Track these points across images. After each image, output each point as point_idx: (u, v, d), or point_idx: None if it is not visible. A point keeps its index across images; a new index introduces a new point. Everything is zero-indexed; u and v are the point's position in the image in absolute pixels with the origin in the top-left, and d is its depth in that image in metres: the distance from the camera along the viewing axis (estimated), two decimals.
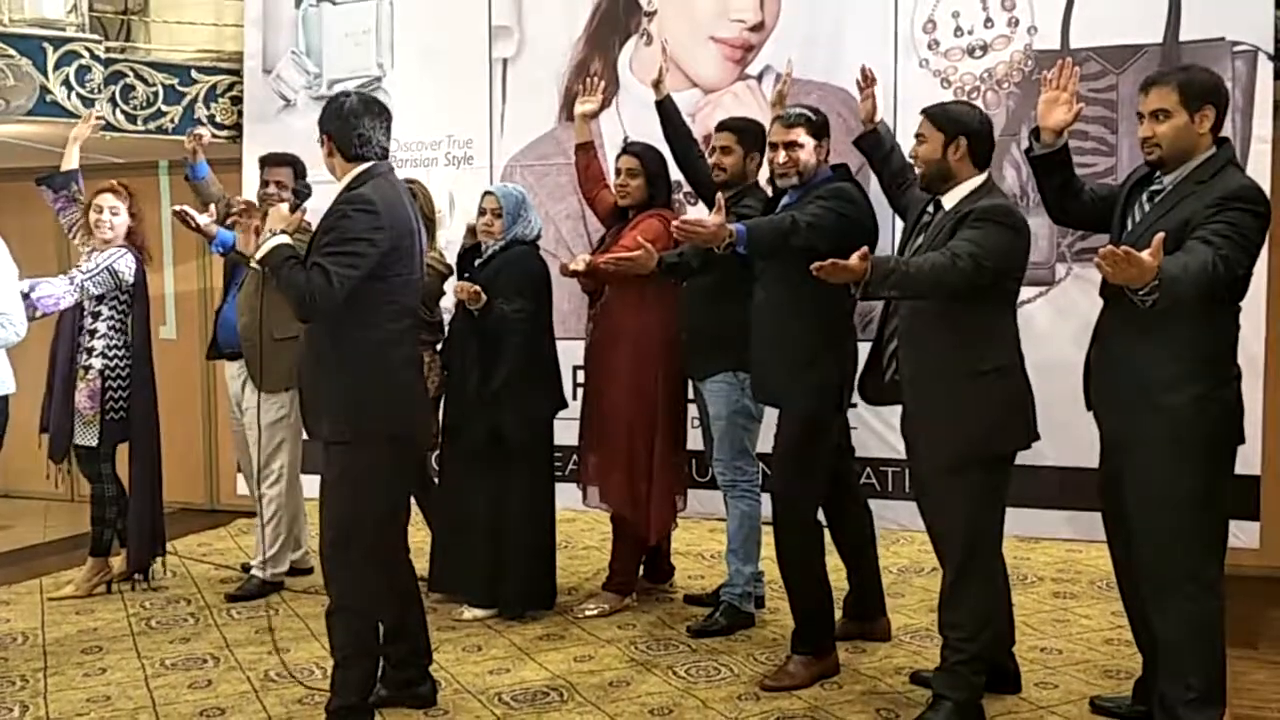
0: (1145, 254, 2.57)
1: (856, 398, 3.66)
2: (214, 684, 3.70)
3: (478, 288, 4.11)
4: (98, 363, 4.56)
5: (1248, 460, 4.13)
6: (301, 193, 3.67)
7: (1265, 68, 4.55)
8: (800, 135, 3.67)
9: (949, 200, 3.26)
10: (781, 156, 3.69)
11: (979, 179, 3.26)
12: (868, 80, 3.89)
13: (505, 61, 5.88)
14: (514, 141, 5.88)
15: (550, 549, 4.43)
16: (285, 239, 3.01)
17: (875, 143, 3.83)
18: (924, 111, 3.34)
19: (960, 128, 3.24)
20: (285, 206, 3.15)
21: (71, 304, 4.47)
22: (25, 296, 4.04)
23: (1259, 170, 4.37)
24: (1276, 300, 4.47)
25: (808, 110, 3.77)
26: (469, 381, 4.21)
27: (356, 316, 3.00)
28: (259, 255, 2.99)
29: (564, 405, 4.47)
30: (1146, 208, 3.01)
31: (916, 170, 3.34)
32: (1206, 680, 2.89)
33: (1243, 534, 4.35)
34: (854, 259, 2.95)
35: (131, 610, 4.52)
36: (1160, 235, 2.64)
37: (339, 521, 3.03)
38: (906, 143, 3.86)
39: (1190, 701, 2.87)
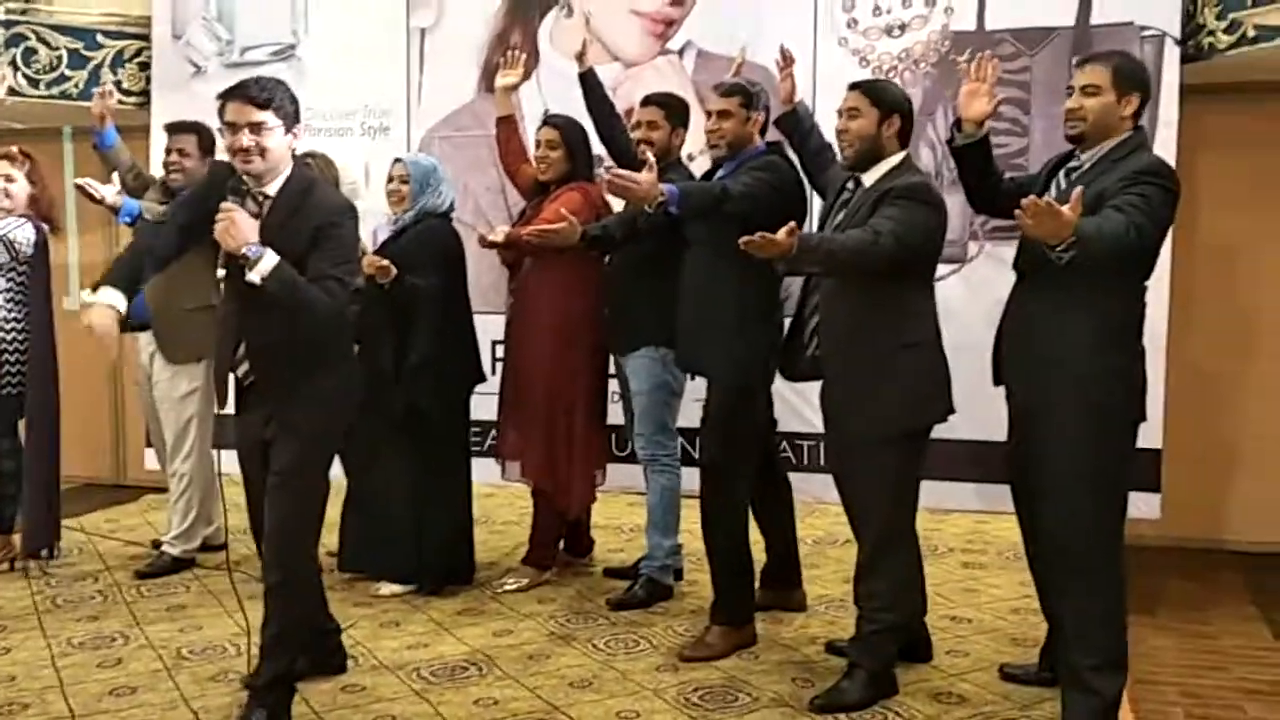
0: (1065, 208, 2.63)
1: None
2: (124, 662, 3.63)
3: (386, 262, 4.06)
4: None
5: (1151, 435, 4.28)
6: (240, 190, 3.37)
7: (1172, 52, 4.68)
8: (733, 105, 3.69)
9: (869, 178, 3.31)
10: (711, 123, 3.71)
11: (899, 157, 3.31)
12: (786, 60, 3.92)
13: (423, 31, 5.80)
14: (432, 112, 5.81)
15: (468, 523, 4.41)
16: (274, 255, 2.88)
17: (794, 123, 3.86)
18: (858, 87, 3.37)
19: (895, 106, 3.30)
20: (243, 216, 2.96)
21: None
22: None
23: (1164, 152, 4.49)
24: (1179, 280, 4.62)
25: (745, 82, 3.78)
26: (381, 357, 4.16)
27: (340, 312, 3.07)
28: (260, 276, 2.85)
29: (482, 379, 4.44)
30: (1064, 184, 3.09)
31: (844, 146, 3.35)
32: (1110, 648, 2.98)
33: (1145, 505, 4.51)
34: (781, 234, 2.98)
35: (36, 588, 4.40)
36: (1079, 189, 2.71)
37: (302, 503, 3.04)
38: (824, 120, 3.90)
39: (1096, 668, 2.96)
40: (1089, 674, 2.96)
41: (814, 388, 3.52)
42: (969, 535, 5.09)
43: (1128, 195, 2.84)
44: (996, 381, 3.25)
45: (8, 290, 4.44)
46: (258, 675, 3.07)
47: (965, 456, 4.78)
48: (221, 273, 3.02)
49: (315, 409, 3.04)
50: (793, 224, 3.01)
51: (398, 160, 4.31)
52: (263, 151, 2.94)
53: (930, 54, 5.26)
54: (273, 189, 2.99)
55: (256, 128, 2.92)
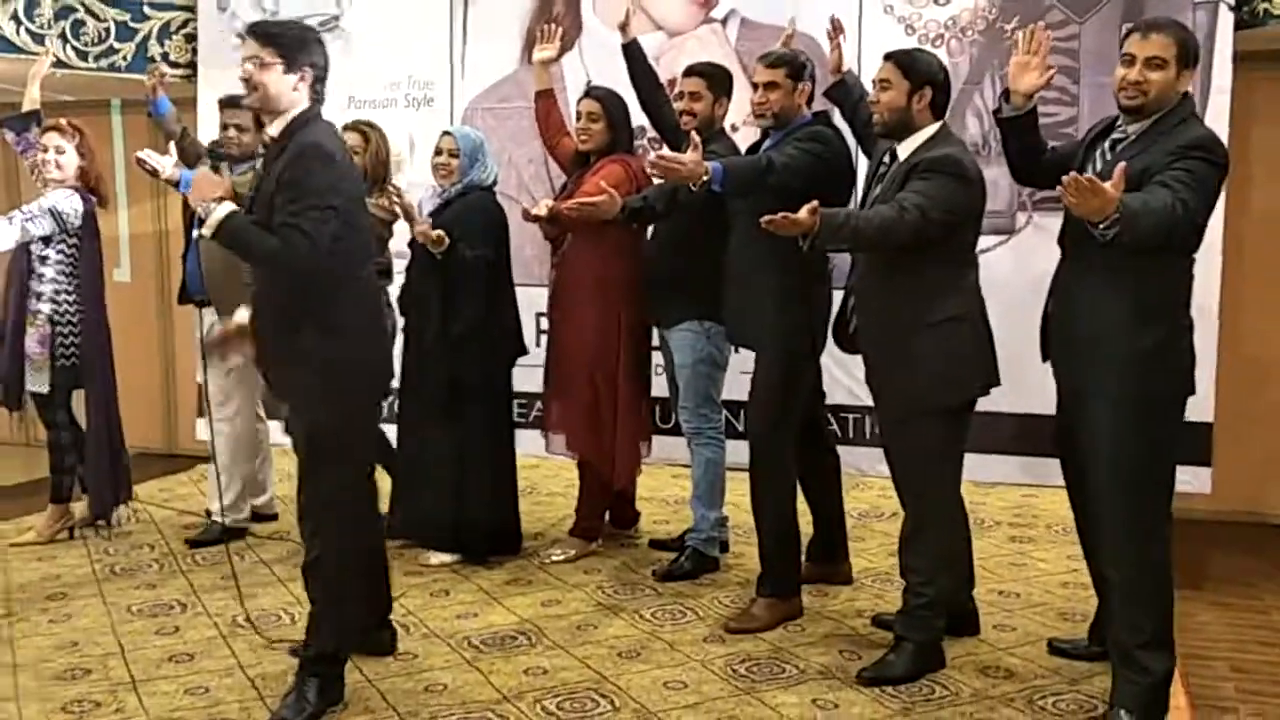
0: (1108, 185, 2.60)
1: (831, 344, 3.69)
2: (181, 630, 3.70)
3: (441, 231, 4.08)
4: (46, 307, 4.48)
5: (1201, 408, 4.24)
6: (216, 153, 3.37)
7: (1225, 19, 4.60)
8: (779, 76, 3.67)
9: (904, 150, 3.28)
10: (758, 95, 3.70)
11: (934, 128, 3.28)
12: (835, 30, 3.88)
13: (466, 1, 5.79)
14: (475, 84, 5.82)
15: (513, 494, 4.45)
16: (231, 205, 2.88)
17: (844, 92, 3.84)
18: (889, 57, 3.32)
19: (927, 77, 3.26)
20: (207, 174, 2.99)
21: (11, 245, 4.36)
22: None
23: (1218, 120, 4.44)
24: (1230, 250, 4.56)
25: (790, 52, 3.76)
26: (428, 328, 4.19)
27: (329, 268, 2.91)
28: (208, 231, 2.85)
29: (524, 352, 4.46)
30: (1109, 156, 3.04)
31: (876, 116, 3.32)
32: (1158, 624, 2.97)
33: (1195, 480, 4.47)
34: (803, 212, 2.98)
35: (95, 557, 4.50)
36: (1123, 165, 2.67)
37: (321, 472, 3.00)
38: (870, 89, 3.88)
39: (1143, 645, 2.95)
40: (1137, 651, 2.95)
41: (859, 359, 3.52)
42: (1017, 509, 5.07)
43: (1174, 171, 2.80)
44: (1044, 358, 3.23)
45: (59, 262, 4.50)
46: (306, 647, 3.11)
47: (1012, 430, 4.77)
48: (195, 234, 3.02)
49: (307, 376, 2.96)
50: (814, 203, 3.00)
51: (447, 133, 4.32)
52: (257, 85, 2.91)
53: (978, 21, 5.20)
54: (274, 130, 2.97)
55: (256, 61, 2.91)
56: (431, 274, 4.18)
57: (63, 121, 4.60)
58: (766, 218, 3.01)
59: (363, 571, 3.18)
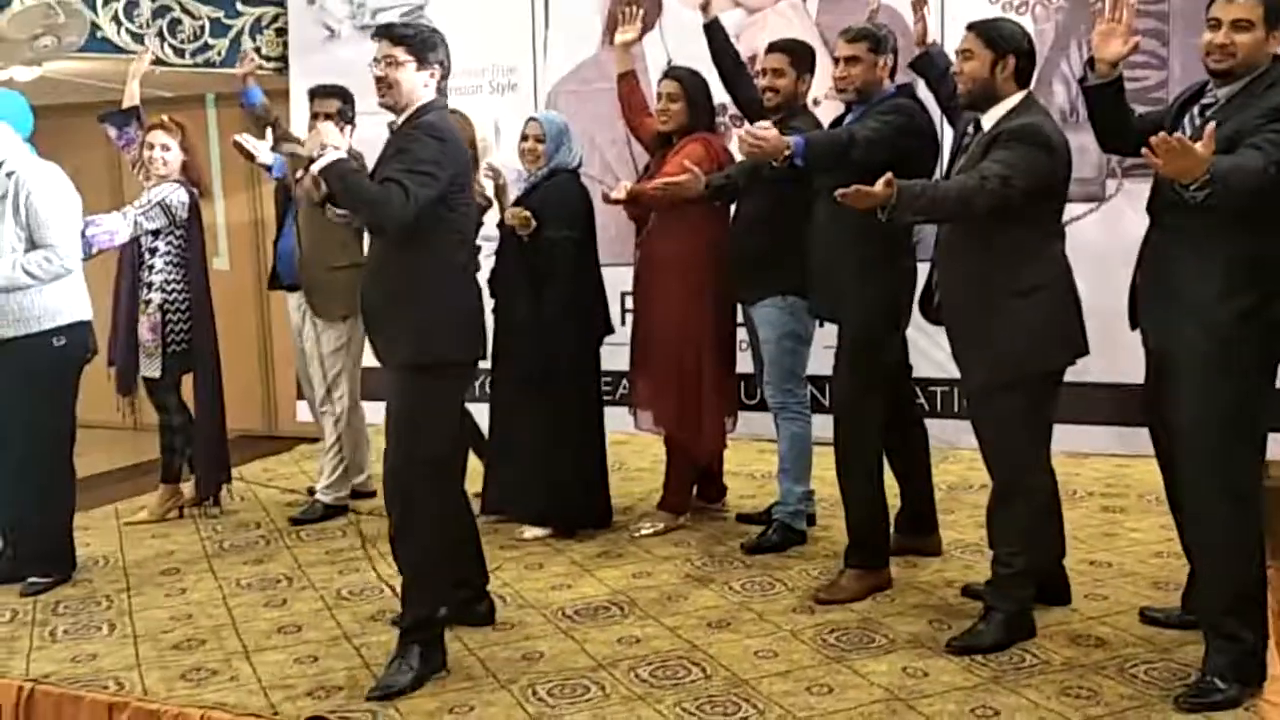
0: (1198, 145, 2.57)
1: (918, 317, 3.70)
2: (289, 603, 3.86)
3: (528, 213, 4.17)
4: (157, 296, 4.66)
5: None
6: (347, 114, 3.62)
7: None
8: (860, 51, 3.68)
9: (988, 120, 3.27)
10: (839, 70, 3.71)
11: (1018, 97, 3.26)
12: (920, 2, 3.87)
13: None
14: (558, 67, 5.88)
15: (603, 470, 4.54)
16: (343, 154, 3.05)
17: (928, 64, 3.83)
18: (971, 27, 3.31)
19: (1010, 46, 3.24)
20: (330, 125, 3.18)
21: (126, 239, 4.56)
22: (80, 234, 4.13)
23: None
24: None
25: (872, 26, 3.76)
26: (517, 309, 4.29)
27: (425, 244, 3.07)
28: (319, 166, 3.00)
29: (611, 331, 4.54)
30: (1198, 121, 3.00)
31: (960, 87, 3.31)
32: (1249, 591, 2.93)
33: None
34: (879, 184, 2.99)
35: (204, 534, 4.70)
36: (1212, 125, 2.64)
37: (406, 443, 3.11)
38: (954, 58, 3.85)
39: (1234, 612, 2.92)
40: (1228, 619, 2.92)
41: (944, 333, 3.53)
42: (1108, 479, 5.02)
43: (1266, 133, 2.75)
44: (1133, 325, 3.20)
45: (168, 253, 4.68)
46: (402, 616, 3.23)
47: (1103, 399, 4.71)
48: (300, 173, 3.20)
49: (401, 349, 3.11)
50: (890, 175, 3.01)
51: (532, 119, 4.41)
52: (392, 84, 3.09)
53: None
54: (399, 120, 3.15)
55: (390, 61, 3.09)
56: (520, 257, 4.28)
57: (166, 119, 4.78)
58: (840, 191, 3.04)
59: (449, 539, 3.27)
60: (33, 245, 3.92)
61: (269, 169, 4.49)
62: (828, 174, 3.68)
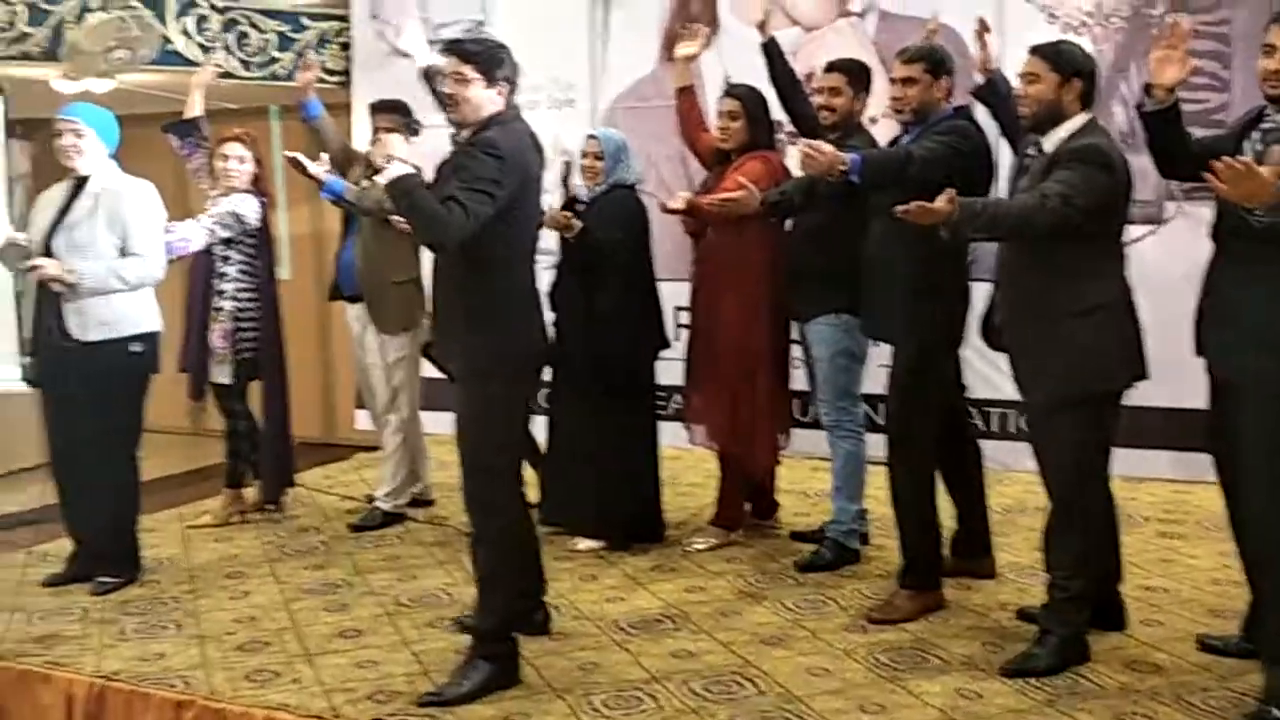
0: (1264, 169, 2.57)
1: (974, 338, 3.70)
2: (349, 608, 3.94)
3: (569, 214, 4.24)
4: (229, 304, 4.77)
5: None
6: (413, 127, 3.69)
7: None
8: (917, 72, 3.69)
9: (1049, 142, 3.27)
10: (896, 91, 3.73)
11: (1082, 119, 3.26)
12: (983, 29, 3.88)
13: (606, 3, 5.94)
14: (615, 83, 5.97)
15: (655, 483, 4.57)
16: (408, 168, 3.09)
17: (991, 91, 3.84)
18: (1036, 51, 3.32)
19: (1075, 69, 3.25)
20: (397, 137, 3.24)
21: (200, 246, 4.67)
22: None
23: None
24: None
25: (929, 47, 3.78)
26: (572, 314, 4.34)
27: (489, 257, 3.13)
28: (385, 179, 3.06)
29: (666, 345, 4.58)
30: (1259, 145, 2.99)
31: (1024, 110, 3.33)
32: None
33: None
34: (940, 200, 3.02)
35: (266, 538, 4.79)
36: (1277, 149, 2.63)
37: (479, 451, 3.17)
38: (1013, 79, 3.86)
39: None
40: None
41: (1002, 355, 3.53)
42: (1166, 504, 4.98)
43: None
44: (1198, 352, 3.19)
45: (240, 261, 4.79)
46: (476, 622, 3.27)
47: (1162, 424, 4.69)
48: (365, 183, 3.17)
49: (463, 361, 3.19)
50: (951, 191, 3.03)
51: (591, 136, 4.48)
52: (462, 101, 3.16)
53: (1122, 8, 5.12)
54: (464, 135, 3.20)
55: (459, 78, 3.15)
56: (574, 264, 4.34)
57: (242, 132, 4.89)
58: (901, 207, 3.06)
59: (520, 553, 3.33)
60: (123, 254, 4.04)
61: (321, 187, 4.55)
62: (883, 192, 3.71)
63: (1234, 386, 3.03)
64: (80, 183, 4.10)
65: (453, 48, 3.22)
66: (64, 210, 4.06)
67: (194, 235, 4.61)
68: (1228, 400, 3.06)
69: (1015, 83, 3.45)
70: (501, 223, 3.11)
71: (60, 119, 4.10)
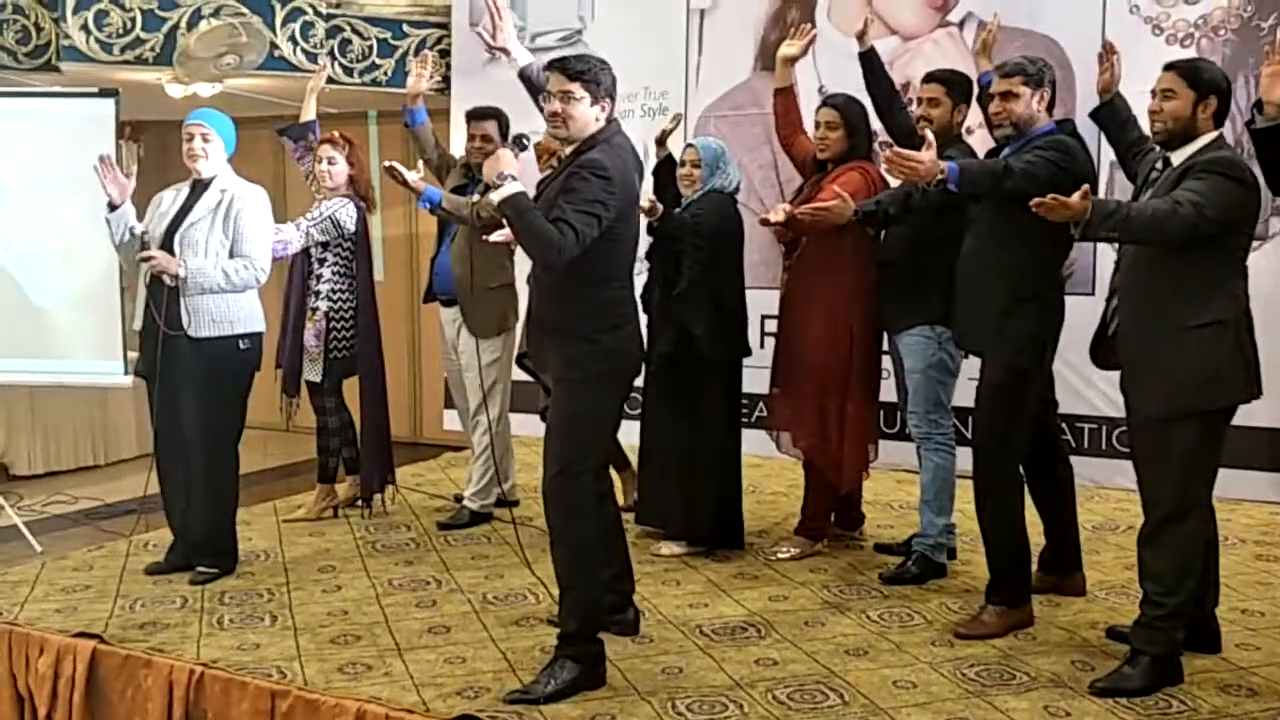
0: None
1: (1064, 350, 3.66)
2: (438, 604, 4.01)
3: (652, 196, 4.29)
4: (323, 305, 4.89)
5: None
6: (521, 142, 3.71)
7: None
8: (1016, 85, 3.64)
9: (1178, 157, 3.26)
10: (995, 105, 3.70)
11: (1211, 135, 3.24)
12: (1108, 53, 3.83)
13: (702, 13, 5.98)
14: (709, 92, 6.00)
15: (738, 487, 4.57)
16: (521, 186, 3.15)
17: (1111, 113, 3.79)
18: (1174, 68, 3.31)
19: (1212, 87, 3.23)
20: (508, 152, 3.30)
21: (298, 249, 4.81)
22: None
23: None
24: None
25: (1027, 60, 3.74)
26: (663, 312, 4.38)
27: (591, 272, 3.19)
28: (499, 196, 3.12)
29: (749, 353, 4.56)
30: None
31: (1157, 125, 3.29)
32: None
33: None
34: (1075, 197, 3.01)
35: (358, 534, 4.90)
36: None
37: (566, 453, 3.23)
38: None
39: None
40: None
41: (1097, 371, 3.48)
42: (1264, 526, 4.85)
43: None
44: None
45: (335, 264, 4.91)
46: (561, 622, 3.31)
47: (1262, 443, 4.58)
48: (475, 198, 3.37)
49: (568, 368, 3.25)
50: (1086, 187, 3.02)
51: (689, 145, 4.52)
52: (568, 118, 3.22)
53: (1231, 19, 5.01)
54: (568, 150, 3.27)
55: (565, 96, 3.21)
56: (663, 259, 4.40)
57: (336, 134, 4.99)
58: (1036, 200, 3.04)
59: (599, 554, 3.35)
60: (230, 255, 4.19)
61: (418, 196, 4.62)
62: (979, 203, 3.68)
63: None
64: (199, 184, 4.26)
65: (559, 65, 3.27)
66: (185, 209, 4.21)
67: (292, 238, 4.75)
68: None
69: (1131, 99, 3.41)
70: (604, 240, 3.17)
71: (191, 123, 4.25)
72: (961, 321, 3.89)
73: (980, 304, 3.71)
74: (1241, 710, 3.13)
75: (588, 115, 3.22)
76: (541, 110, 3.41)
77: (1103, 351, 3.52)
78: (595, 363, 3.24)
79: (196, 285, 4.10)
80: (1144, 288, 3.27)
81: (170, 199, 4.30)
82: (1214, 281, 3.17)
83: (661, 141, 4.77)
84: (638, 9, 6.11)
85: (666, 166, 4.72)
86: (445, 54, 6.57)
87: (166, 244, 4.16)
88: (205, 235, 4.16)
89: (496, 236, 3.31)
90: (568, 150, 3.30)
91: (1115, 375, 3.45)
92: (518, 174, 3.16)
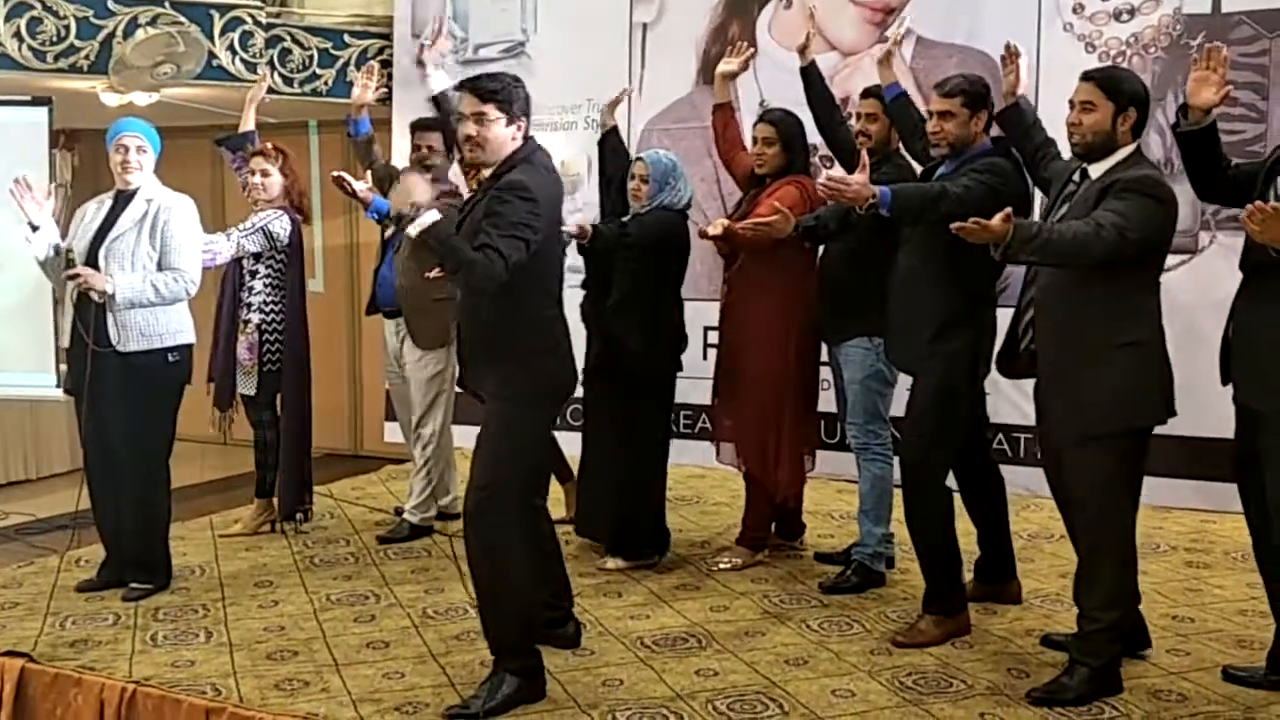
0: None
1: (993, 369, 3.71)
2: (377, 619, 3.97)
3: (582, 219, 4.29)
4: (255, 317, 4.82)
5: None
6: (428, 165, 3.58)
7: None
8: (954, 105, 3.67)
9: (1097, 169, 3.25)
10: (933, 124, 3.71)
11: (1130, 148, 3.24)
12: (1011, 55, 3.86)
13: (645, 25, 6.00)
14: (651, 105, 6.01)
15: (662, 498, 4.55)
16: (436, 213, 3.10)
17: (1016, 118, 3.78)
18: (1092, 78, 3.27)
19: (1132, 98, 3.21)
20: (416, 178, 3.24)
21: (227, 259, 4.73)
22: None
23: None
24: None
25: (967, 80, 3.76)
26: (600, 324, 4.38)
27: (516, 291, 3.14)
28: (416, 230, 3.08)
29: (678, 368, 4.53)
30: None
31: (1075, 138, 3.27)
32: None
33: None
34: (997, 219, 3.01)
35: (296, 549, 4.84)
36: None
37: (492, 471, 3.19)
38: (1051, 107, 3.86)
39: None
40: None
41: (1029, 381, 3.53)
42: (1193, 534, 4.95)
43: None
44: (1225, 381, 3.19)
45: (268, 276, 4.84)
46: (488, 640, 3.28)
47: (1189, 453, 4.68)
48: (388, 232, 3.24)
49: (499, 407, 3.21)
50: (1009, 210, 3.03)
51: (638, 158, 4.48)
52: (483, 141, 3.17)
53: (1161, 38, 5.13)
54: (487, 172, 3.22)
55: (479, 118, 3.16)
56: (594, 274, 4.40)
57: (268, 146, 4.91)
58: (957, 224, 3.05)
59: (524, 570, 3.30)
60: (159, 267, 4.11)
61: (366, 206, 4.59)
62: (913, 226, 3.70)
63: (1261, 416, 3.02)
64: (123, 195, 4.18)
65: (470, 86, 3.18)
66: (109, 222, 4.14)
67: (222, 248, 4.66)
68: (1254, 430, 3.06)
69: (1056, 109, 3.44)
70: (531, 259, 3.13)
71: (127, 134, 4.16)
72: (894, 341, 3.91)
73: (912, 324, 3.73)
74: (1171, 715, 3.19)
75: (503, 136, 3.16)
76: (456, 134, 3.36)
77: (1012, 363, 3.54)
78: (526, 382, 3.21)
79: (126, 300, 4.02)
80: (1062, 308, 3.25)
81: (93, 212, 4.21)
82: (1132, 301, 3.19)
83: (610, 111, 4.75)
84: (580, 22, 6.13)
85: (613, 136, 4.72)
86: (387, 64, 6.53)
87: (91, 258, 4.08)
88: (131, 248, 4.08)
89: (436, 273, 3.29)
90: (486, 173, 3.23)
91: None
92: (428, 199, 3.10)
